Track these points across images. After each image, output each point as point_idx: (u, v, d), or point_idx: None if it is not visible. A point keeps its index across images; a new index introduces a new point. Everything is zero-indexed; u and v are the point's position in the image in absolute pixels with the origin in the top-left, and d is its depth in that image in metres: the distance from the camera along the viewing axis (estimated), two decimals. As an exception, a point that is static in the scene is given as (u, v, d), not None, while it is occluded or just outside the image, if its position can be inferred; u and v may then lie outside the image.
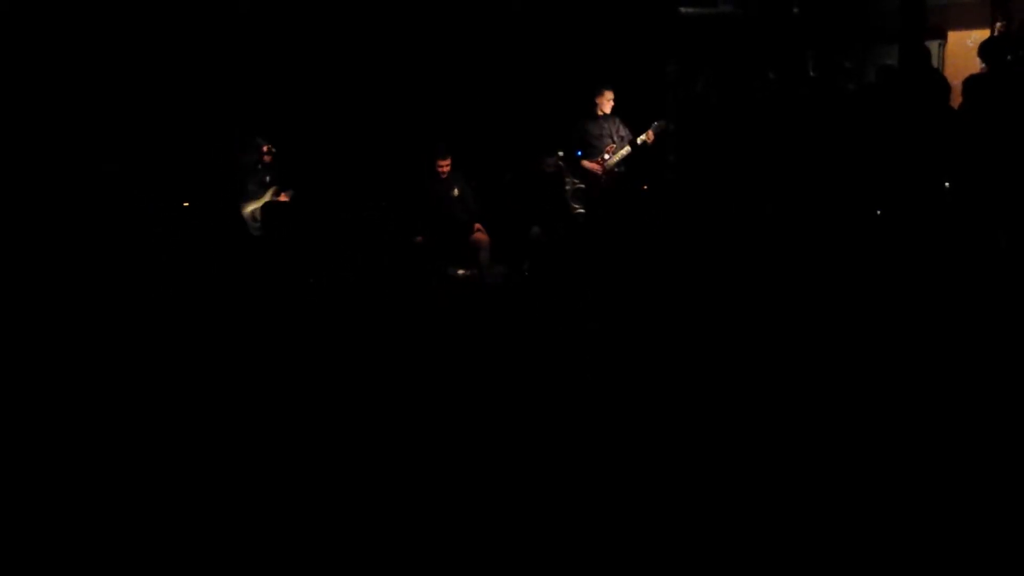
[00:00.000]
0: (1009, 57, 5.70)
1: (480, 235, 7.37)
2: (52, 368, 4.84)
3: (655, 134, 7.62)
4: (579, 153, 7.85)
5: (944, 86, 6.08)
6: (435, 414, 4.15)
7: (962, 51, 7.43)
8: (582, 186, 7.88)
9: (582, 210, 7.86)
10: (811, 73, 6.82)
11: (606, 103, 7.74)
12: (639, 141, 7.64)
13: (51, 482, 3.53)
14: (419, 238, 7.31)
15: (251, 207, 7.64)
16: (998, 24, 6.98)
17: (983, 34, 6.60)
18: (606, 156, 7.75)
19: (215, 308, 6.04)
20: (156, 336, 5.43)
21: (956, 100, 5.94)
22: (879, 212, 6.07)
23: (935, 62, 7.42)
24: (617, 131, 7.77)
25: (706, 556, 2.91)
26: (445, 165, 7.42)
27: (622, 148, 7.73)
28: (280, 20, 8.13)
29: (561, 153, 7.95)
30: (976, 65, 5.85)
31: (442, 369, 4.85)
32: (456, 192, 7.48)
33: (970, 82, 5.76)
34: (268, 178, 7.72)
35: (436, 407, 4.23)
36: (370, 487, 3.45)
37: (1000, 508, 3.14)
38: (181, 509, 3.30)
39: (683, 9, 8.49)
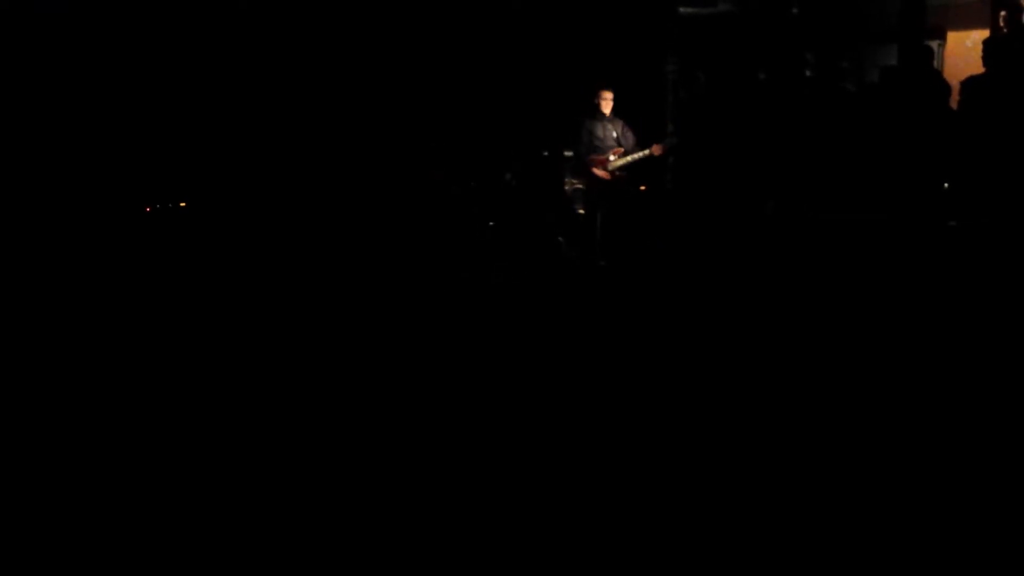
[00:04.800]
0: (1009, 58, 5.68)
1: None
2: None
3: (664, 148, 7.60)
4: None
5: (944, 87, 6.06)
6: (437, 414, 4.15)
7: (961, 51, 7.40)
8: (581, 186, 7.88)
9: (581, 211, 7.87)
10: (808, 73, 6.82)
11: (604, 104, 7.76)
12: (647, 152, 7.63)
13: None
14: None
15: None
16: (1001, 15, 6.84)
17: (983, 34, 6.56)
18: (611, 158, 7.73)
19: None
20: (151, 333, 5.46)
21: (955, 100, 5.93)
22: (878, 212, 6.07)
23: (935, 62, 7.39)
24: (621, 133, 7.78)
25: (706, 555, 2.91)
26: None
27: (631, 154, 7.70)
28: (280, 19, 8.13)
29: (569, 153, 7.97)
30: (976, 66, 5.83)
31: (446, 369, 4.86)
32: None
33: (969, 83, 5.74)
34: None
35: (439, 407, 4.23)
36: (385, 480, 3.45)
37: (1000, 508, 3.14)
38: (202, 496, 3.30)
39: (682, 9, 8.50)
